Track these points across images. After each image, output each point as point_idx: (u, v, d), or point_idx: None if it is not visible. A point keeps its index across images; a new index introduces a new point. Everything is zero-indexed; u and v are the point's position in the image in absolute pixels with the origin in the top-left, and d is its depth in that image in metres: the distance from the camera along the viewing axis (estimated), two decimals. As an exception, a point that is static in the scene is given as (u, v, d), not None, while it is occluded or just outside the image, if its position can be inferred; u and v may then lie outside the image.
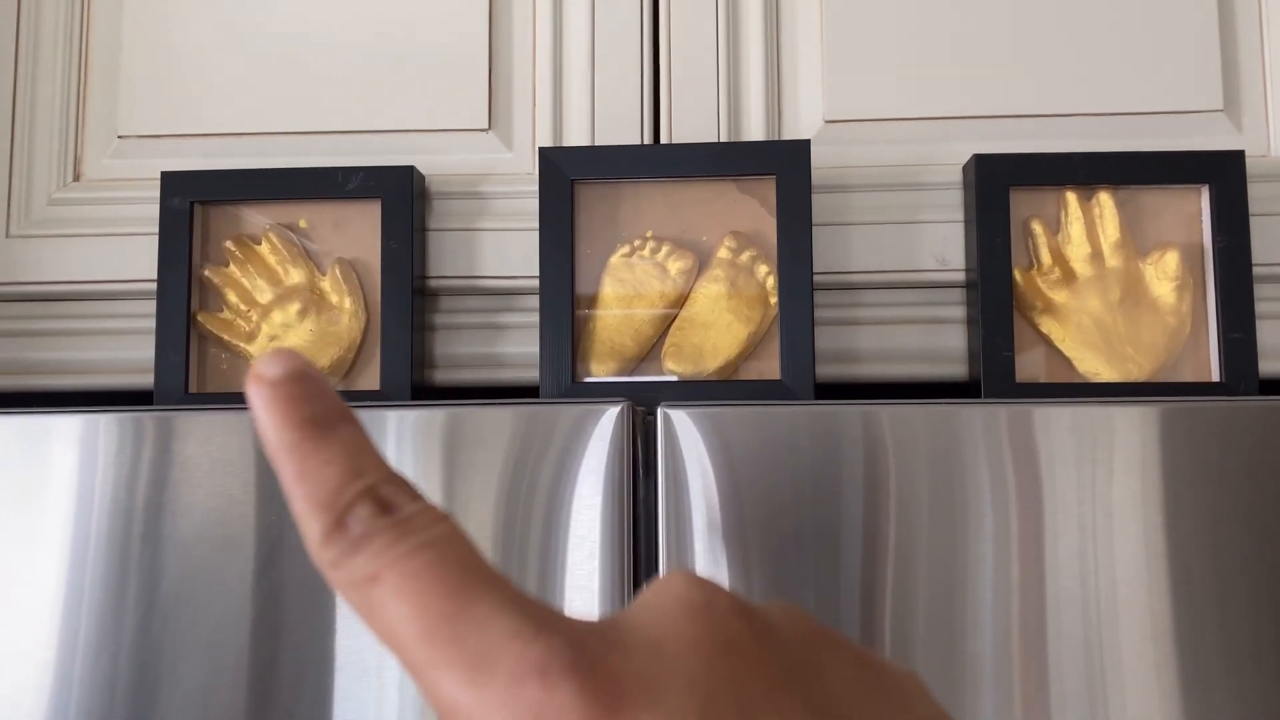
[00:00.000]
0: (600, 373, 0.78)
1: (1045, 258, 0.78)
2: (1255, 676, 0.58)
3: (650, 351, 0.79)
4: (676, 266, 0.78)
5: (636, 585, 0.63)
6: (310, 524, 0.24)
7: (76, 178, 0.87)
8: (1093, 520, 0.60)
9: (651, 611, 0.24)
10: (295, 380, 0.25)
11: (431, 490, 0.63)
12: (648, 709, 0.21)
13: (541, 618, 0.23)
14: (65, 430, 0.65)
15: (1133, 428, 0.61)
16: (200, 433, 0.64)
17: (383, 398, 0.78)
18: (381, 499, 0.24)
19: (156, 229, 0.82)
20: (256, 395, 0.25)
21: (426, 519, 0.24)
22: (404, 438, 0.63)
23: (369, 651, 0.61)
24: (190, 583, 0.63)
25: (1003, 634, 0.59)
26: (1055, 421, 0.61)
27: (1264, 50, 0.82)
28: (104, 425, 0.65)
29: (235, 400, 0.80)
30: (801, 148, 0.76)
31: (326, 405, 0.25)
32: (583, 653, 0.22)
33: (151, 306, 0.82)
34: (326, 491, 0.24)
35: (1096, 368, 0.77)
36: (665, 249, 0.78)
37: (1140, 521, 0.59)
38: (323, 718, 0.61)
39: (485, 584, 0.23)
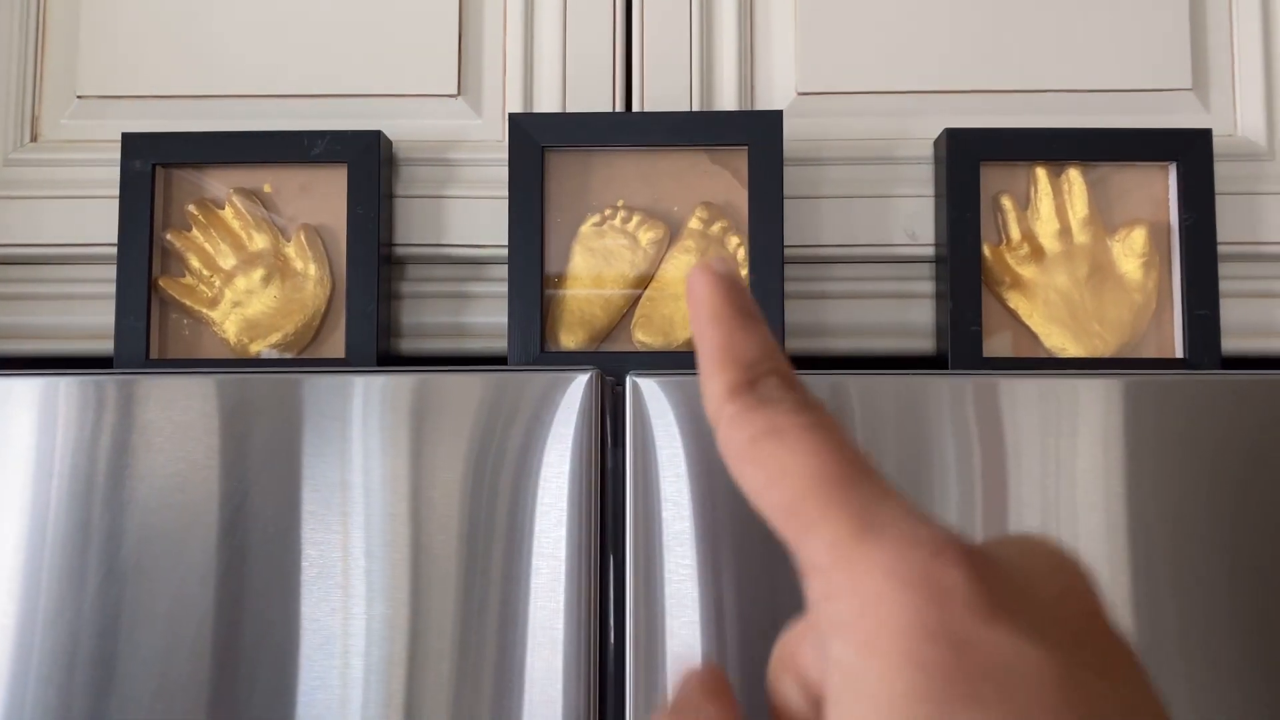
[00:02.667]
0: (569, 343, 0.77)
1: (1014, 233, 0.78)
2: (1211, 644, 0.59)
3: (620, 322, 0.78)
4: (647, 237, 0.78)
5: (603, 554, 0.62)
6: (719, 380, 0.26)
7: (34, 138, 0.85)
8: (1056, 491, 0.60)
9: (1025, 555, 0.24)
10: (735, 280, 0.27)
11: (399, 456, 0.62)
12: (1021, 627, 0.21)
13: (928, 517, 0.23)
14: (24, 393, 0.63)
15: (1096, 401, 0.61)
16: (161, 397, 0.63)
17: (347, 366, 0.77)
18: (788, 379, 0.26)
19: (116, 191, 0.80)
20: (702, 277, 0.27)
21: (823, 409, 0.25)
22: (371, 404, 0.62)
23: (333, 617, 0.61)
24: (151, 548, 0.62)
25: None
26: (1021, 394, 0.61)
27: (1233, 30, 0.82)
28: (64, 388, 0.63)
29: (197, 367, 0.78)
30: (774, 118, 0.76)
31: (753, 305, 0.27)
32: (973, 552, 0.22)
33: (111, 271, 0.80)
34: (746, 358, 0.26)
35: (1063, 343, 0.77)
36: (636, 219, 0.78)
37: (1102, 493, 0.60)
38: (286, 684, 0.60)
39: (874, 472, 0.24)
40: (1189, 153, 0.77)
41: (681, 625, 0.60)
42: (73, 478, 0.62)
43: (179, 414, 0.63)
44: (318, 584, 0.61)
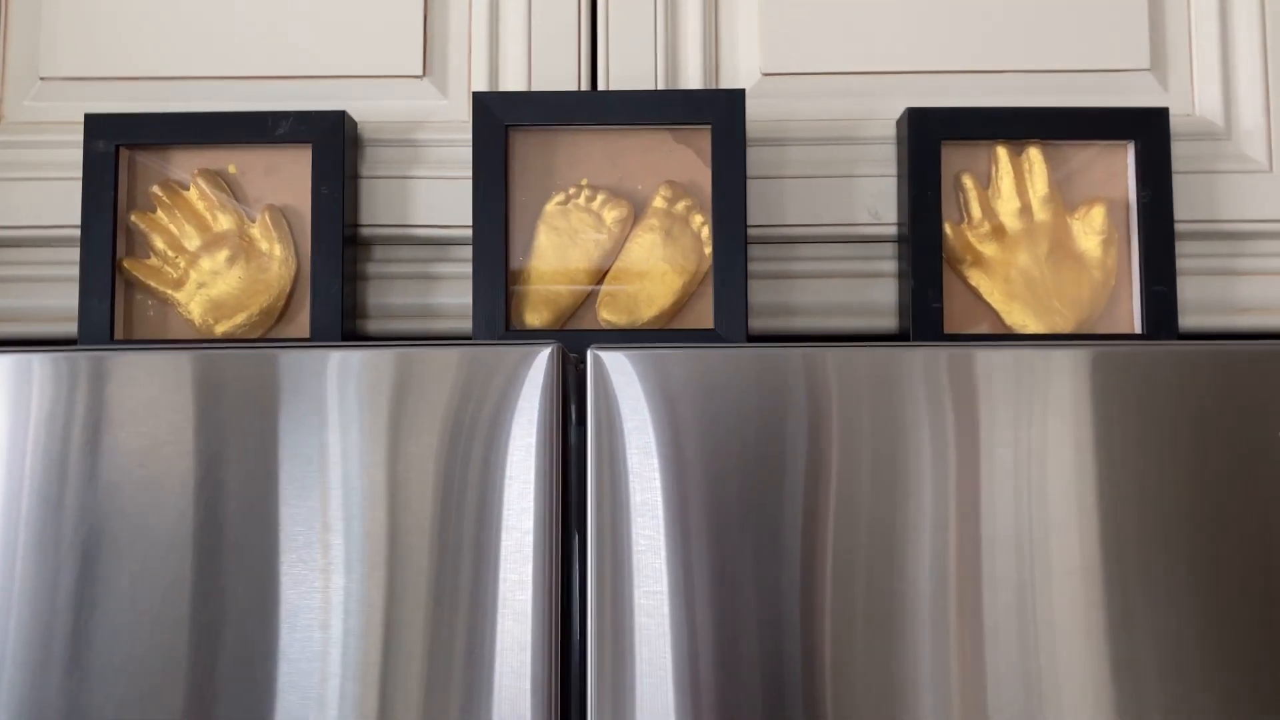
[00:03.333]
0: (535, 323, 0.77)
1: (975, 212, 0.79)
2: (1175, 609, 0.60)
3: (586, 301, 0.78)
4: (612, 215, 0.78)
5: (565, 527, 0.63)
6: None
7: (-4, 120, 0.84)
8: (1027, 459, 0.61)
9: None
10: None
11: (375, 430, 0.62)
12: None
13: None
14: (-5, 370, 0.63)
15: (1065, 371, 0.62)
16: (135, 374, 0.63)
17: (313, 343, 0.77)
18: None
19: (79, 173, 0.80)
20: None
21: None
22: (347, 378, 0.62)
23: (310, 588, 0.61)
24: (125, 524, 0.61)
25: (940, 569, 0.60)
26: (994, 364, 0.62)
27: (1190, 11, 0.83)
28: (37, 366, 0.63)
29: (164, 345, 0.78)
30: (736, 96, 0.77)
31: None
32: None
33: (75, 253, 0.80)
34: None
35: (1024, 320, 0.78)
36: (601, 198, 0.78)
37: (1072, 460, 0.61)
38: (263, 656, 0.60)
39: None
40: (1147, 132, 0.78)
41: (646, 595, 0.61)
42: (46, 455, 0.62)
43: (153, 391, 0.63)
44: (294, 556, 0.61)
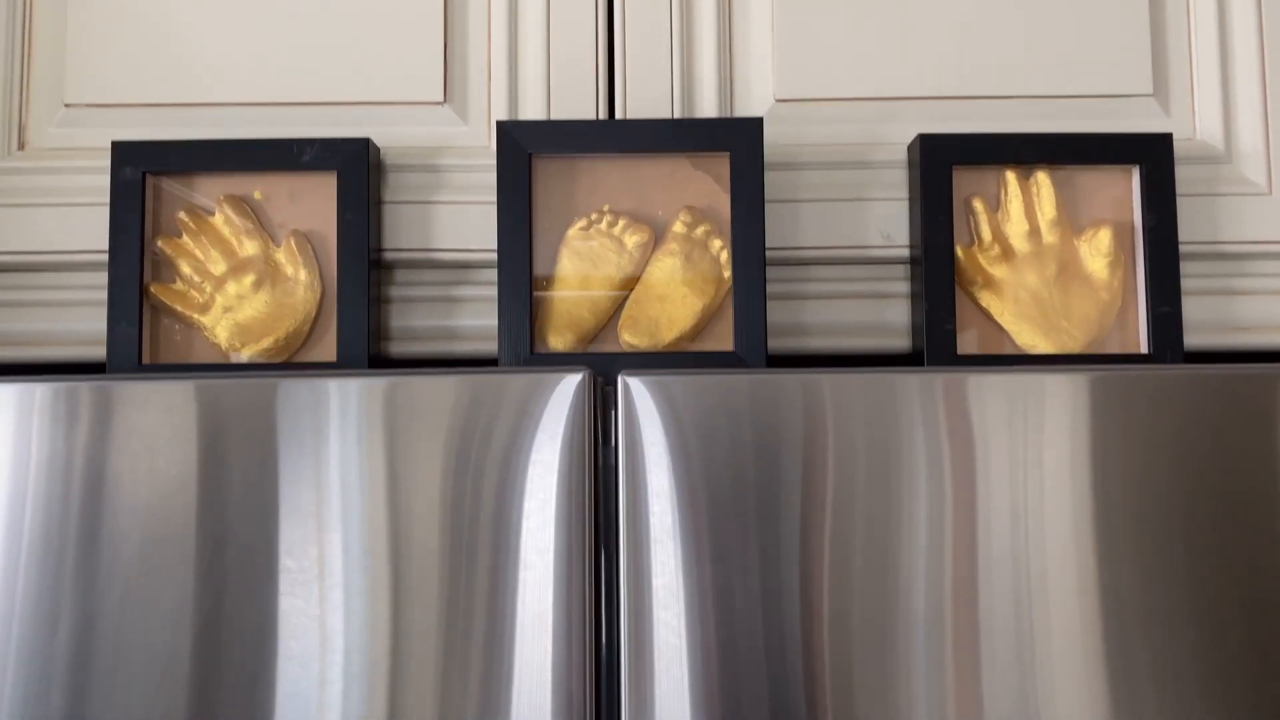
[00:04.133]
0: (558, 345, 0.79)
1: (986, 234, 0.81)
2: (1172, 631, 0.62)
3: (608, 324, 0.80)
4: (633, 240, 0.80)
5: (597, 553, 0.64)
6: None
7: (21, 146, 0.85)
8: (1024, 483, 0.63)
9: None
10: None
11: (375, 459, 0.63)
12: None
13: None
14: (1, 400, 0.64)
15: (1063, 395, 0.64)
16: (138, 402, 0.63)
17: (339, 369, 0.79)
18: None
19: (105, 199, 0.81)
20: None
21: None
22: (347, 407, 0.63)
23: (311, 622, 0.62)
24: (127, 554, 0.62)
25: (936, 592, 0.62)
26: (989, 389, 0.64)
27: (1191, 38, 0.86)
28: (40, 395, 0.64)
29: (190, 370, 0.79)
30: (754, 125, 0.78)
31: None
32: None
33: (102, 278, 0.81)
34: None
35: (1034, 340, 0.80)
36: (622, 223, 0.80)
37: (1069, 485, 0.62)
38: (264, 690, 0.61)
39: None
40: (1151, 156, 0.80)
41: (672, 616, 0.62)
42: (49, 483, 0.63)
43: (156, 419, 0.63)
44: (295, 589, 0.62)
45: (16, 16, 0.86)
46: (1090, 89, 0.85)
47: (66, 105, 0.86)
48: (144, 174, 0.80)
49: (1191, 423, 0.63)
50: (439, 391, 0.64)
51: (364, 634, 0.62)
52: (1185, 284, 0.81)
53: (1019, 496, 0.62)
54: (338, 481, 0.63)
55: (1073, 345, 0.80)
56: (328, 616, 0.62)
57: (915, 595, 0.62)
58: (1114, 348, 0.81)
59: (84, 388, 0.64)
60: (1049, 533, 0.62)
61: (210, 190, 0.82)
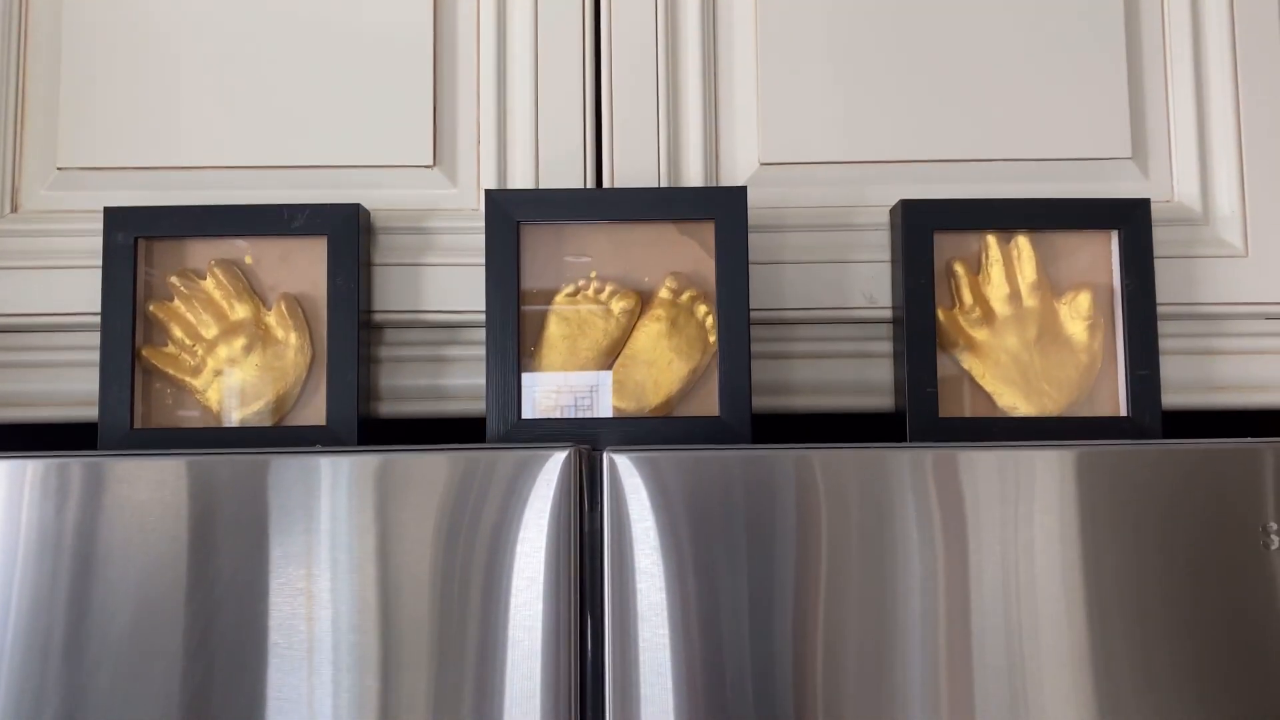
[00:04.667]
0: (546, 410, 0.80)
1: (967, 298, 0.83)
2: (1165, 702, 0.63)
3: (594, 388, 0.81)
4: (620, 306, 0.81)
5: (583, 624, 0.65)
6: None
7: (14, 209, 0.86)
8: (1015, 558, 0.64)
9: None
10: None
11: (366, 536, 0.64)
12: None
13: None
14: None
15: (1050, 470, 0.65)
16: (129, 479, 0.64)
17: (329, 431, 0.80)
18: None
19: (96, 262, 0.82)
20: None
21: None
22: (339, 484, 0.64)
23: (300, 700, 0.63)
24: (116, 631, 0.63)
25: (930, 668, 0.63)
26: (979, 464, 0.65)
27: (1169, 102, 0.87)
28: (30, 471, 0.65)
29: (180, 436, 0.80)
30: (738, 194, 0.80)
31: None
32: None
33: (93, 339, 0.82)
34: None
35: (1015, 402, 0.81)
36: (609, 289, 0.81)
37: (1059, 558, 0.64)
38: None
39: None
40: (1129, 221, 0.81)
41: (658, 692, 0.63)
42: (39, 561, 0.64)
43: (145, 496, 0.64)
44: (285, 666, 0.63)
45: (10, 79, 0.87)
46: (1070, 152, 0.86)
47: (59, 169, 0.86)
48: (136, 239, 0.81)
49: (1175, 495, 0.65)
50: (426, 469, 0.65)
51: (352, 712, 0.63)
52: (1164, 344, 0.82)
53: (1010, 571, 0.64)
54: (327, 559, 0.64)
55: (1053, 407, 0.81)
56: (316, 693, 0.63)
57: (910, 671, 0.63)
58: (1094, 409, 0.82)
59: (75, 464, 0.65)
60: (1041, 606, 0.63)
61: (202, 254, 0.83)
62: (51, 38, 0.87)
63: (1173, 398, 0.84)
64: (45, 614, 0.64)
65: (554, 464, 0.65)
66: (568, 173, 0.85)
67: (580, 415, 0.79)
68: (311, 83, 0.86)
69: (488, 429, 0.79)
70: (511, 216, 0.79)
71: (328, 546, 0.64)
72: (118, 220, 0.81)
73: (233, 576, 0.64)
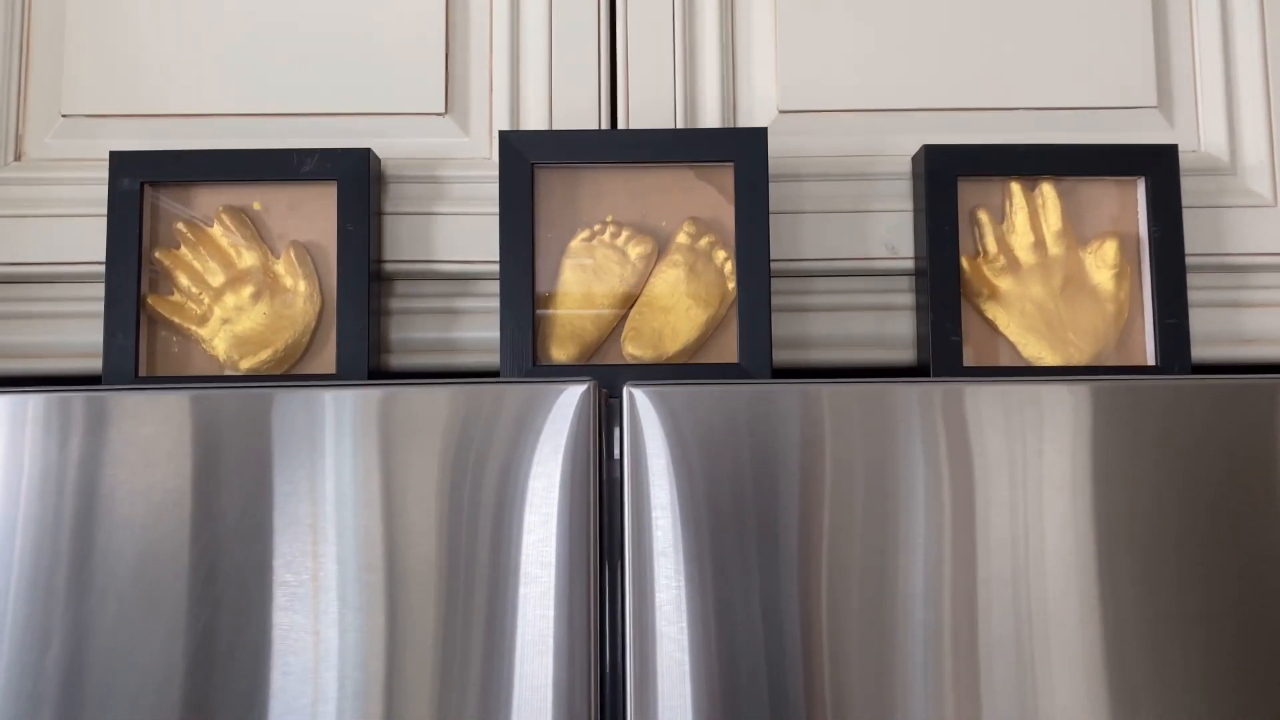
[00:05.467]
0: (561, 358, 0.78)
1: (991, 246, 0.81)
2: (1175, 645, 0.61)
3: (610, 335, 0.79)
4: (636, 251, 0.79)
5: (601, 567, 0.63)
6: None
7: (18, 158, 0.85)
8: (1023, 497, 0.62)
9: None
10: None
11: (371, 471, 0.62)
12: None
13: None
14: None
15: (1062, 406, 0.63)
16: (131, 415, 0.62)
17: (338, 381, 0.78)
18: None
19: (102, 210, 0.80)
20: None
21: None
22: (342, 419, 0.62)
23: (306, 635, 0.61)
24: (120, 567, 0.61)
25: (935, 610, 0.60)
26: (987, 400, 0.63)
27: (1194, 51, 0.85)
28: (32, 406, 0.63)
29: (185, 384, 0.78)
30: (759, 135, 0.78)
31: None
32: None
33: (98, 289, 0.80)
34: None
35: (1040, 352, 0.79)
36: (625, 234, 0.79)
37: (1069, 497, 0.61)
38: (258, 704, 0.60)
39: None
40: (1156, 168, 0.80)
41: (676, 631, 0.61)
42: (41, 496, 0.62)
43: (149, 432, 0.62)
44: (292, 603, 0.61)
45: (14, 27, 0.85)
46: (1094, 101, 0.84)
47: (64, 116, 0.85)
48: (142, 184, 0.80)
49: (1195, 433, 0.62)
50: (435, 403, 0.63)
51: (360, 650, 0.61)
52: (1192, 296, 0.80)
53: (1019, 509, 0.61)
54: (333, 494, 0.62)
55: (1079, 358, 0.79)
56: (324, 631, 0.61)
57: (914, 610, 0.61)
58: (1121, 360, 0.80)
59: (77, 399, 0.63)
60: (1049, 546, 0.61)
61: (209, 201, 0.82)
62: (58, -17, 0.86)
63: (1201, 350, 0.81)
64: (49, 552, 0.62)
65: (570, 397, 0.63)
66: (582, 121, 0.84)
67: (596, 362, 0.78)
68: (322, 28, 0.85)
69: (501, 375, 0.77)
70: (525, 158, 0.78)
71: (333, 483, 0.62)
72: (123, 165, 0.80)
73: (239, 514, 0.62)
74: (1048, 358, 0.79)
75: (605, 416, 0.65)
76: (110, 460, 0.62)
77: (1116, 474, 0.62)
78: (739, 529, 0.62)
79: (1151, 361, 0.79)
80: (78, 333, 0.82)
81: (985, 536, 0.61)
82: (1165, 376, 0.77)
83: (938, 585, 0.61)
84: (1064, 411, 0.62)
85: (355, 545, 0.62)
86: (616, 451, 0.64)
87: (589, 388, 0.63)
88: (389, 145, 0.84)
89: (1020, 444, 0.62)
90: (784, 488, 0.62)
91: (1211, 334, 0.83)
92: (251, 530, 0.62)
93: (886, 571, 0.61)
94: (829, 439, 0.62)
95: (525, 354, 0.76)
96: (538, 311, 0.78)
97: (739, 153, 0.78)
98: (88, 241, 0.82)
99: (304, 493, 0.62)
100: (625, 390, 0.63)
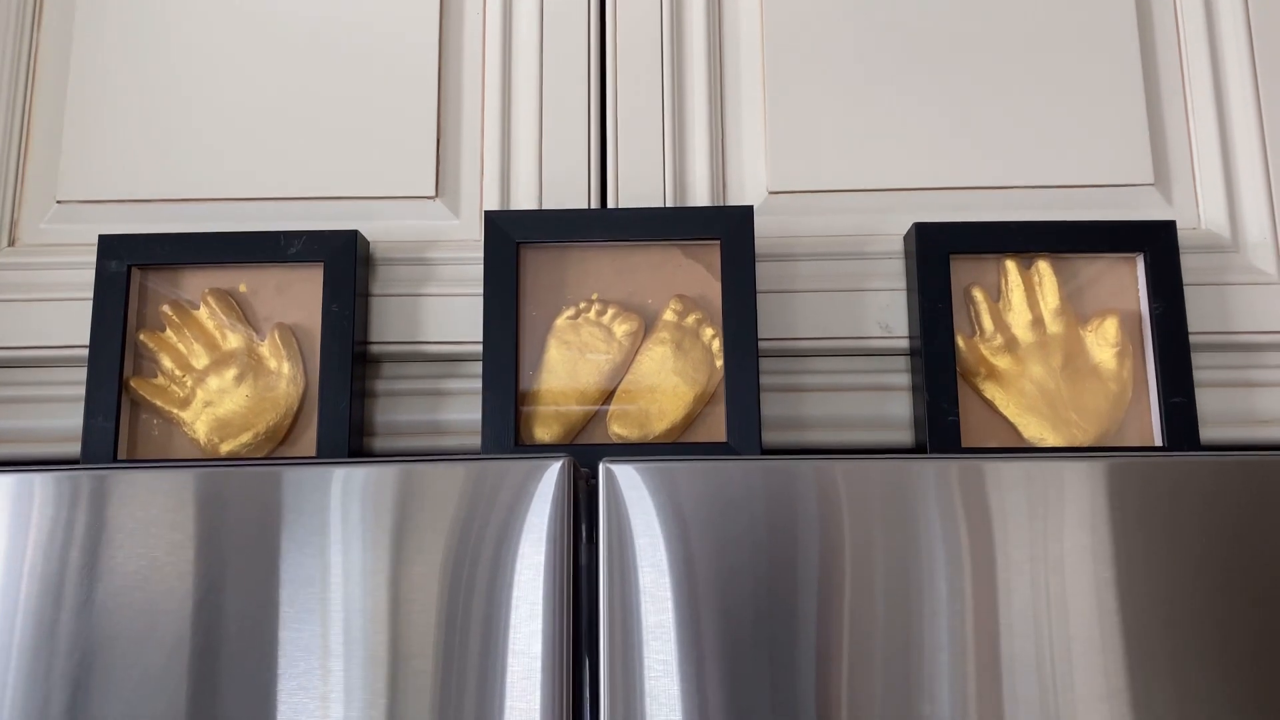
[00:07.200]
0: (545, 438, 0.76)
1: (987, 324, 0.79)
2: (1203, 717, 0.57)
3: (596, 416, 0.77)
4: (622, 329, 0.78)
5: (578, 648, 0.60)
6: None
7: (12, 243, 0.85)
8: (1045, 575, 0.59)
9: None
10: None
11: (379, 549, 0.60)
12: None
13: None
14: (-1, 489, 0.62)
15: (1081, 483, 0.60)
16: (136, 492, 0.61)
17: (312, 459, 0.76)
18: None
19: (90, 294, 0.80)
20: None
21: None
22: (350, 495, 0.61)
23: (309, 715, 0.58)
24: (121, 647, 0.59)
25: (959, 693, 0.57)
26: (1006, 477, 0.60)
27: (1190, 127, 0.85)
28: (39, 485, 0.62)
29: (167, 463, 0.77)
30: (745, 213, 0.77)
31: None
32: None
33: (81, 373, 0.79)
34: None
35: (1041, 433, 0.77)
36: (611, 311, 0.78)
37: (1090, 576, 0.59)
38: None
39: None
40: (1155, 244, 0.78)
41: (669, 712, 0.58)
42: (43, 577, 0.60)
43: (154, 509, 0.61)
44: (295, 683, 0.59)
45: (15, 118, 0.87)
46: (1089, 179, 0.83)
47: (58, 202, 0.86)
48: (129, 267, 0.80)
49: (1211, 510, 0.60)
50: (390, 481, 0.61)
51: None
52: (1198, 375, 0.78)
53: (1040, 590, 0.59)
54: (339, 573, 0.60)
55: (1083, 438, 0.76)
56: (329, 707, 0.58)
57: (938, 697, 0.57)
58: (1127, 440, 0.77)
59: (84, 478, 0.62)
60: (1073, 630, 0.58)
61: (196, 284, 0.81)
62: (59, 75, 0.87)
63: (1212, 431, 0.79)
64: (48, 636, 0.60)
65: (549, 476, 0.61)
66: (571, 203, 0.83)
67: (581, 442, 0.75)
68: (313, 114, 0.86)
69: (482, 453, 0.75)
70: (511, 238, 0.77)
71: (340, 561, 0.60)
72: (111, 248, 0.80)
73: (240, 589, 0.60)
74: (1050, 439, 0.76)
75: (587, 499, 0.63)
76: (113, 539, 0.61)
77: (1135, 549, 0.59)
78: (750, 613, 0.59)
79: (1159, 442, 0.76)
80: (59, 416, 0.81)
81: (1008, 614, 0.58)
82: (1176, 453, 0.73)
83: (961, 666, 0.57)
84: (1080, 489, 0.60)
85: (360, 623, 0.60)
86: (595, 536, 0.61)
87: (563, 464, 0.61)
88: (380, 228, 0.84)
89: (1041, 521, 0.59)
90: (802, 571, 0.59)
91: (1222, 414, 0.80)
92: (256, 601, 0.60)
93: (910, 653, 0.58)
94: (847, 519, 0.59)
95: (507, 434, 0.74)
96: (521, 390, 0.76)
97: (725, 229, 0.77)
98: (75, 325, 0.82)
99: (311, 575, 0.60)
100: (601, 467, 0.61)
